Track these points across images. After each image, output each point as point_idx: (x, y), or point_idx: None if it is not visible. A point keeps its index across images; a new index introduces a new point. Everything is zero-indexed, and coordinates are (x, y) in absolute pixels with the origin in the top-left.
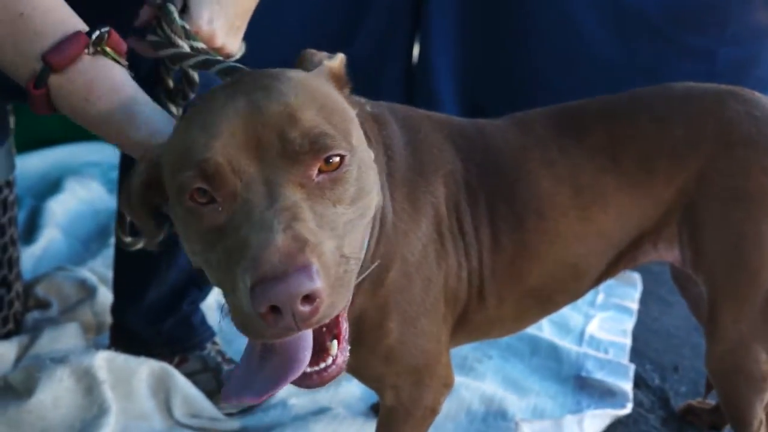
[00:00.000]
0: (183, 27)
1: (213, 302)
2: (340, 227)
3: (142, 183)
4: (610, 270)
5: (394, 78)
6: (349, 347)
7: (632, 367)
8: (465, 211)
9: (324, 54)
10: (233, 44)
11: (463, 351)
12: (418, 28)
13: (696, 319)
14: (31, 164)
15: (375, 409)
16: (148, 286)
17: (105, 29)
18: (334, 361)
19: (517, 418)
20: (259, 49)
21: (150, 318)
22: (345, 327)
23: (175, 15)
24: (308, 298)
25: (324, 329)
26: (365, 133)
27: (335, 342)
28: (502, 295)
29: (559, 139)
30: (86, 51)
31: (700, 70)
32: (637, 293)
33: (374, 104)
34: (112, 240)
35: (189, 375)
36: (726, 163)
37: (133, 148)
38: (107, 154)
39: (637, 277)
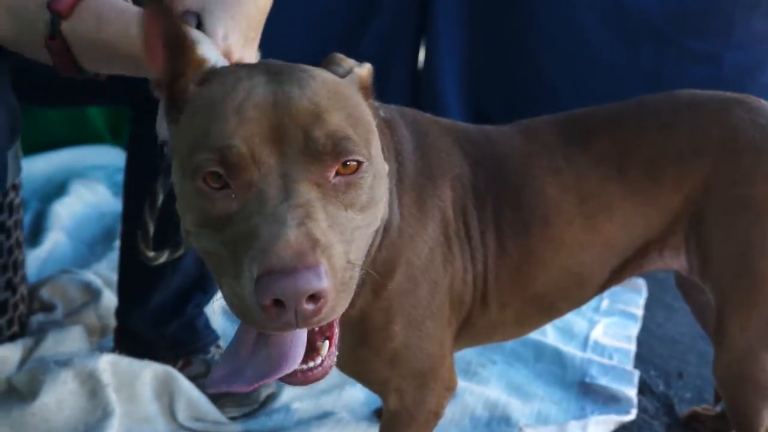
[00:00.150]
0: None
1: (217, 306)
2: (349, 232)
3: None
4: (614, 278)
5: (399, 81)
6: (337, 352)
7: (637, 373)
8: (472, 215)
9: (353, 61)
10: (250, 56)
11: (467, 356)
12: (423, 31)
13: (701, 326)
14: (37, 167)
15: (378, 414)
16: (152, 290)
17: None
18: (322, 362)
19: (521, 424)
20: (264, 52)
21: (154, 321)
22: (337, 331)
23: None
24: (313, 298)
25: (317, 330)
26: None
27: (327, 343)
28: (505, 300)
29: (565, 146)
30: None
31: (705, 75)
32: (641, 299)
33: (385, 108)
34: (117, 243)
35: (193, 378)
36: (732, 170)
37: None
38: (112, 157)
39: (642, 283)
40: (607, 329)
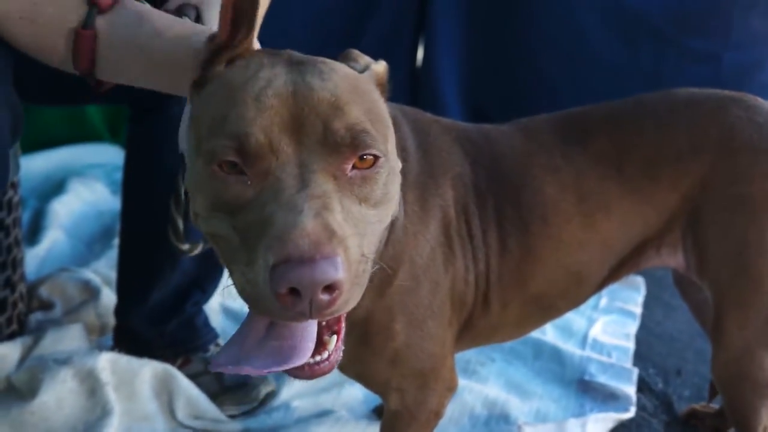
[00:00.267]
0: None
1: (216, 304)
2: (362, 226)
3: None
4: (612, 276)
5: (398, 81)
6: (343, 347)
7: (635, 371)
8: (473, 214)
9: (369, 58)
10: None
11: (465, 354)
12: (422, 30)
13: (699, 323)
14: (35, 165)
15: (377, 412)
16: (151, 288)
17: None
18: (329, 356)
19: (520, 422)
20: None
21: (153, 320)
22: (344, 325)
23: None
24: (329, 289)
25: (324, 324)
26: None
27: (334, 338)
28: (506, 300)
29: (563, 145)
30: None
31: (704, 75)
32: (640, 297)
33: (388, 105)
34: (116, 241)
35: (192, 377)
36: (729, 169)
37: (193, 54)
38: (111, 155)
39: (640, 280)
40: (606, 327)
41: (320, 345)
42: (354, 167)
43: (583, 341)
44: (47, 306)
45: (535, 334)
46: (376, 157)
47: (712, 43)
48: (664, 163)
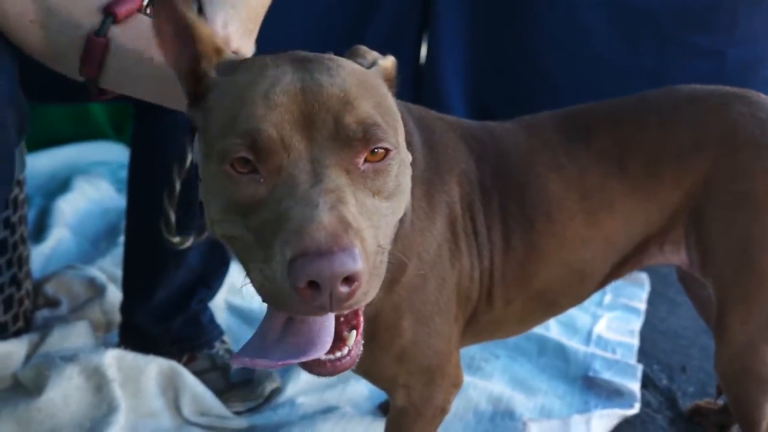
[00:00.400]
0: None
1: (221, 301)
2: (376, 218)
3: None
4: (615, 272)
5: (401, 78)
6: (362, 341)
7: (640, 368)
8: (478, 210)
9: (376, 53)
10: (247, 47)
11: (470, 351)
12: (425, 28)
13: (703, 320)
14: (41, 163)
15: (382, 409)
16: (157, 285)
17: None
18: (349, 352)
19: (524, 418)
20: (266, 47)
21: (159, 316)
22: (362, 320)
23: None
24: (348, 280)
25: (342, 319)
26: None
27: (353, 333)
28: (510, 296)
29: (566, 142)
30: (143, 11)
31: (708, 71)
32: (644, 293)
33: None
34: (121, 239)
35: (197, 373)
36: (732, 165)
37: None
38: (116, 153)
39: (644, 277)
40: (611, 324)
41: (340, 341)
42: (366, 161)
43: (588, 338)
44: (53, 303)
45: (540, 330)
46: (387, 150)
47: (715, 39)
48: (666, 160)
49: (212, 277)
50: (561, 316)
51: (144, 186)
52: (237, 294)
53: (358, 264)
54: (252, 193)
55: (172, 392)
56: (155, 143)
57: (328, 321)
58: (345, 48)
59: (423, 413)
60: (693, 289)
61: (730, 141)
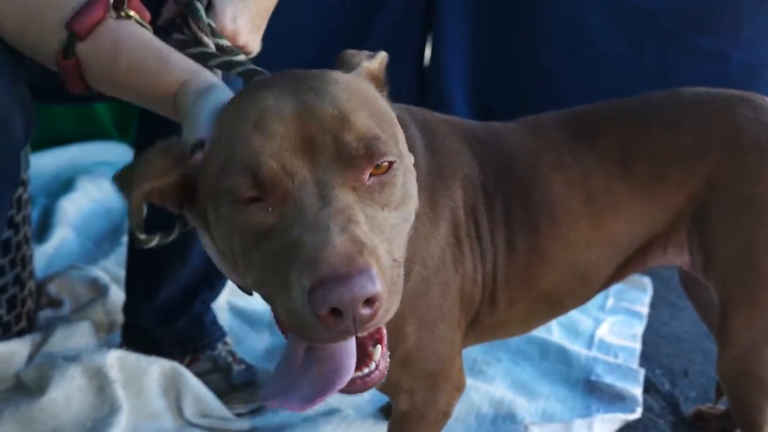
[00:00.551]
0: (209, 25)
1: (224, 302)
2: (388, 231)
3: (170, 185)
4: (618, 274)
5: (405, 79)
6: (388, 353)
7: (642, 372)
8: (482, 214)
9: (364, 54)
10: (254, 42)
11: (472, 354)
12: (429, 29)
13: (705, 323)
14: (44, 163)
15: (384, 411)
16: (160, 286)
17: None
18: (377, 366)
19: (526, 422)
20: (271, 48)
21: (161, 317)
22: (385, 332)
23: (202, 13)
24: (369, 302)
25: (366, 334)
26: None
27: (378, 347)
28: (513, 298)
29: (571, 143)
30: (109, 15)
31: (712, 73)
32: (647, 297)
33: (395, 107)
34: (125, 239)
35: (200, 375)
36: (736, 169)
37: (168, 92)
38: (120, 153)
39: (647, 281)
40: (613, 328)
41: (366, 356)
42: (371, 175)
43: (590, 342)
44: (56, 303)
45: (542, 334)
46: (390, 162)
47: (720, 41)
48: (671, 162)
49: (215, 278)
50: (563, 320)
51: None
52: (240, 295)
53: (376, 285)
54: (260, 223)
55: (174, 393)
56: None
57: (350, 343)
58: (349, 48)
59: (426, 417)
60: (695, 292)
61: (734, 144)
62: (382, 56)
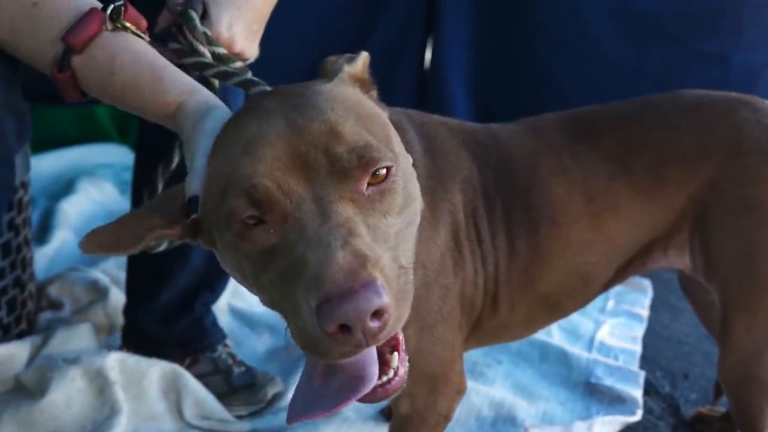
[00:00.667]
0: (205, 33)
1: (224, 304)
2: (393, 238)
3: (174, 236)
4: (619, 275)
5: (406, 81)
6: (407, 358)
7: (642, 374)
8: (482, 217)
9: (344, 58)
10: (251, 49)
11: (472, 356)
12: (430, 31)
13: (704, 326)
14: (45, 165)
15: (385, 414)
16: (160, 288)
17: (119, 2)
18: (396, 373)
19: (526, 424)
20: (271, 51)
21: (162, 319)
22: (401, 338)
23: (197, 21)
24: (377, 314)
25: (381, 342)
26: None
27: (395, 354)
28: (515, 300)
29: (571, 145)
30: (104, 27)
31: (713, 76)
32: (647, 300)
33: (392, 111)
34: None
35: (200, 377)
36: (736, 171)
37: (165, 111)
38: (120, 155)
39: (647, 284)
40: (613, 330)
41: (384, 364)
42: (370, 185)
43: (590, 344)
44: (56, 305)
45: (542, 336)
46: (388, 168)
47: (721, 44)
48: (671, 164)
49: (215, 280)
50: (563, 322)
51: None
52: (240, 297)
53: (382, 297)
54: (264, 245)
55: (175, 395)
56: (159, 146)
57: (371, 351)
58: (350, 51)
59: (426, 420)
60: (695, 295)
61: (735, 146)
62: (364, 57)
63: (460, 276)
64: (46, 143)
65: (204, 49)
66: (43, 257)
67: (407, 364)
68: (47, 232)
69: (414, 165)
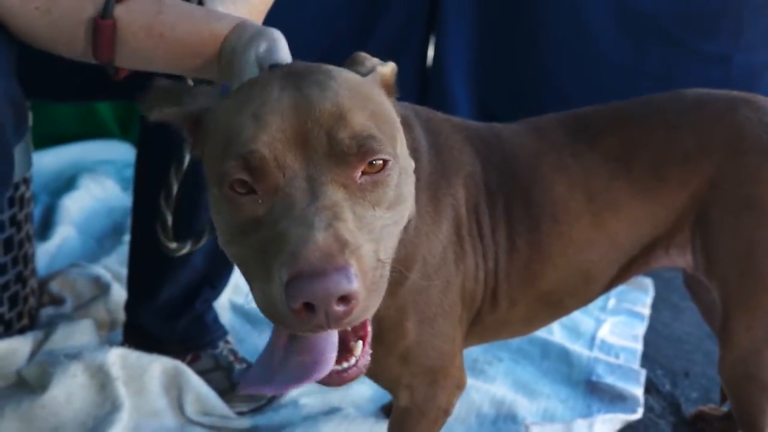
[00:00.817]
0: None
1: (226, 301)
2: (377, 231)
3: (178, 123)
4: (621, 275)
5: (408, 79)
6: (370, 351)
7: (643, 373)
8: (484, 213)
9: (376, 60)
10: None
11: (473, 353)
12: (432, 30)
13: (708, 325)
14: (46, 161)
15: (385, 410)
16: (162, 284)
17: None
18: (356, 362)
19: (527, 422)
20: None
21: (163, 316)
22: (370, 330)
23: None
24: (344, 299)
25: (349, 329)
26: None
27: (360, 343)
28: (515, 297)
29: (572, 144)
30: None
31: (714, 76)
32: (648, 298)
33: (400, 106)
34: (127, 237)
35: (201, 373)
36: (737, 170)
37: (214, 40)
38: (122, 152)
39: (648, 282)
40: (614, 328)
41: (347, 351)
42: (363, 173)
43: (591, 342)
44: (58, 301)
45: (543, 334)
46: (385, 161)
47: (722, 44)
48: (672, 162)
49: (217, 277)
50: (565, 320)
51: (150, 185)
52: (241, 294)
53: (352, 284)
54: (251, 214)
55: (176, 391)
56: (161, 142)
57: (332, 337)
58: (352, 50)
59: (426, 414)
60: (699, 293)
61: (736, 145)
62: (392, 65)
63: (461, 270)
64: (47, 140)
65: None
66: (45, 253)
67: (369, 357)
68: (49, 228)
69: (418, 160)
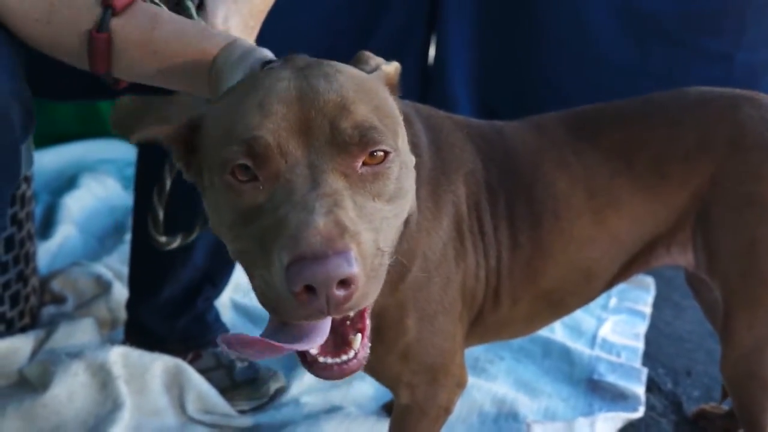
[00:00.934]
0: None
1: (227, 299)
2: (377, 222)
3: (169, 136)
4: (622, 273)
5: (409, 78)
6: (369, 344)
7: (645, 371)
8: (485, 210)
9: (381, 59)
10: None
11: (475, 352)
12: (433, 30)
13: (710, 323)
14: (48, 160)
15: (386, 409)
16: (163, 283)
17: None
18: (355, 355)
19: (528, 420)
20: (272, 50)
21: (164, 314)
22: (368, 323)
23: (193, 11)
24: (344, 284)
25: (348, 322)
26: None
27: (359, 336)
28: (517, 295)
29: (574, 141)
30: None
31: (716, 75)
32: (650, 297)
33: (401, 103)
34: (128, 236)
35: (202, 371)
36: (739, 167)
37: (206, 57)
38: (123, 151)
39: (650, 281)
40: (616, 327)
41: (346, 344)
42: (365, 164)
43: (593, 341)
44: (59, 300)
45: (545, 333)
46: (386, 153)
47: (724, 43)
48: (674, 160)
49: (218, 276)
50: (566, 319)
51: (150, 184)
52: (242, 292)
53: (353, 267)
54: (252, 201)
55: (177, 390)
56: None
57: (324, 324)
58: (353, 50)
59: (427, 412)
60: (701, 292)
61: (738, 143)
62: (396, 65)
63: (462, 267)
64: (48, 138)
65: None
66: (46, 252)
67: (368, 350)
68: (50, 227)
69: (419, 156)
